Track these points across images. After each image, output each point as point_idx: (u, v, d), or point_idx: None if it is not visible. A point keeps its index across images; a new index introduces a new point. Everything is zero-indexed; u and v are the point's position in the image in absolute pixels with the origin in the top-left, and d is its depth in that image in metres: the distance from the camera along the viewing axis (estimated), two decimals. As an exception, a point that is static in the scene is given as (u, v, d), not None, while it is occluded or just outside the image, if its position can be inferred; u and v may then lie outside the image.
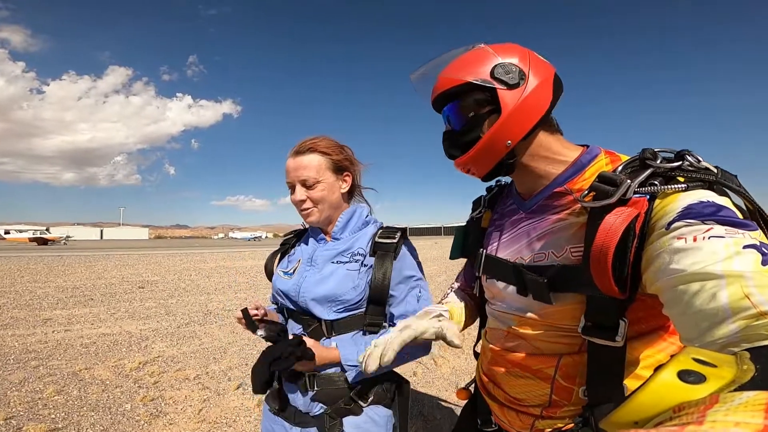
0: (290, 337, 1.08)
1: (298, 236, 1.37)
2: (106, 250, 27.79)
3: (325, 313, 1.11)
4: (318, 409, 1.10)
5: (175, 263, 15.60)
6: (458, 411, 1.02)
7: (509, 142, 0.80)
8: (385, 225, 1.25)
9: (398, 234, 1.17)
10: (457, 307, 1.07)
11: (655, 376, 0.34)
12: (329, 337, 1.12)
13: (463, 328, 1.08)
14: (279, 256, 1.34)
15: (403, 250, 1.17)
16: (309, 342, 1.04)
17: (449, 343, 0.83)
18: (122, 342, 4.64)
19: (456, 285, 1.19)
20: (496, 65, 0.79)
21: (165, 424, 2.71)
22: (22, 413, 2.74)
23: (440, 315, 0.91)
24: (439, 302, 1.12)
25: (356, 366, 1.06)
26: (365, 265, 1.14)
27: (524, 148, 0.84)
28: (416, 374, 3.65)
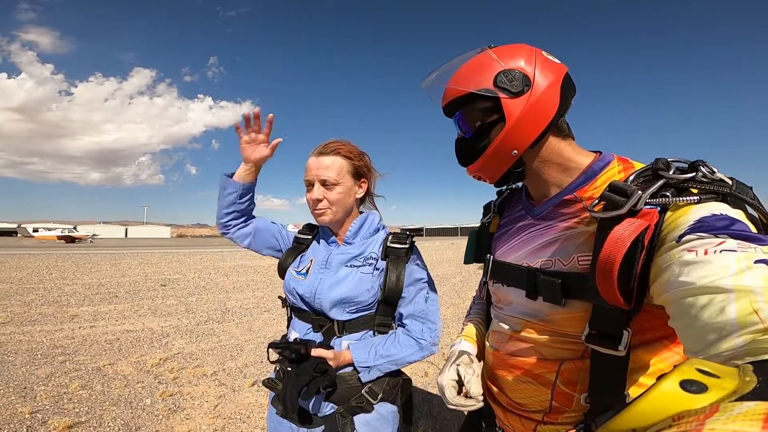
0: (296, 339, 1.12)
1: (312, 234, 1.39)
2: (131, 248, 28.65)
3: (339, 314, 1.16)
4: (329, 409, 1.14)
5: (195, 261, 15.96)
6: (465, 412, 1.03)
7: (515, 151, 0.79)
8: (392, 231, 1.31)
9: (409, 240, 1.23)
10: (476, 327, 1.09)
11: (657, 385, 0.34)
12: (340, 336, 1.17)
13: None
14: (294, 254, 1.36)
15: (414, 254, 1.23)
16: (327, 355, 1.08)
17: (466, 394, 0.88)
18: (144, 338, 4.79)
19: (476, 295, 1.21)
20: (499, 73, 0.78)
21: (182, 419, 2.80)
22: (47, 407, 2.86)
23: (464, 356, 0.95)
24: (466, 316, 1.17)
25: (368, 367, 1.13)
26: (378, 269, 1.20)
27: (533, 155, 0.83)
28: (427, 374, 3.65)
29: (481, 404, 0.88)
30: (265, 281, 10.21)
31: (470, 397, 0.87)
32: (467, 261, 1.12)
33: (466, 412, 0.98)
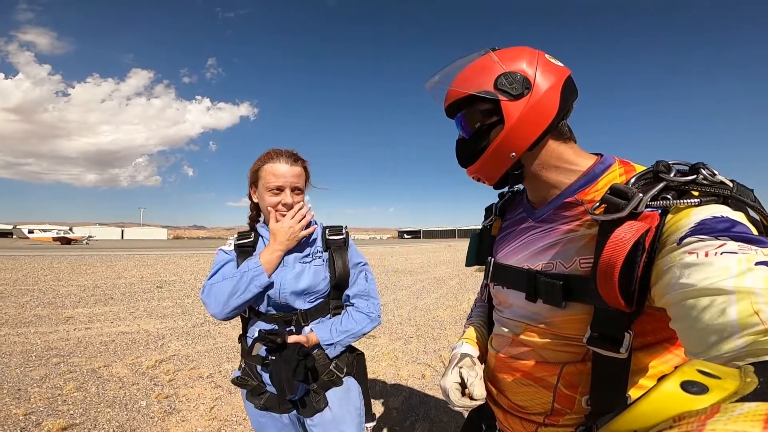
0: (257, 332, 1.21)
1: (251, 238, 1.41)
2: (127, 249, 28.49)
3: (302, 304, 1.31)
4: (301, 390, 1.28)
5: (191, 263, 15.88)
6: (465, 414, 1.03)
7: (513, 153, 0.79)
8: (326, 225, 1.47)
9: (344, 230, 1.44)
10: (477, 330, 1.09)
11: (658, 386, 0.34)
12: (306, 324, 1.31)
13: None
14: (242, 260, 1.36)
15: (350, 242, 1.43)
16: (301, 339, 1.22)
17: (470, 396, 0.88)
18: (140, 340, 4.76)
19: (478, 297, 1.21)
20: (499, 76, 0.78)
21: (178, 421, 2.78)
22: (41, 409, 2.84)
23: (466, 358, 0.95)
24: (467, 319, 1.17)
25: (332, 344, 1.29)
26: (324, 260, 1.38)
27: (532, 157, 0.83)
28: (424, 377, 3.63)
29: (483, 401, 0.90)
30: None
31: (474, 399, 0.87)
32: (468, 264, 1.12)
33: (466, 414, 0.98)
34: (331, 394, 1.30)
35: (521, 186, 0.98)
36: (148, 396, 3.15)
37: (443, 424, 2.77)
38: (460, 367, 0.92)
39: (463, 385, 0.89)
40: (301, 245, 1.37)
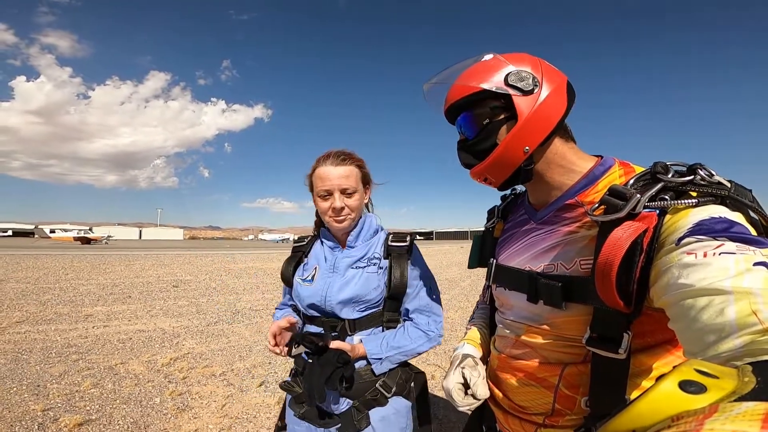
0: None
1: (308, 243, 1.44)
2: (145, 249, 29.11)
3: (349, 313, 1.22)
4: (345, 405, 1.19)
5: (206, 263, 16.15)
6: (470, 414, 1.04)
7: (527, 147, 0.79)
8: (392, 231, 1.37)
9: (408, 237, 1.31)
10: (479, 331, 1.10)
11: (656, 386, 0.33)
12: (352, 334, 1.22)
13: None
14: (294, 263, 1.40)
15: (414, 251, 1.29)
16: (346, 347, 1.13)
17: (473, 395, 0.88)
18: (156, 338, 4.86)
19: (480, 299, 1.22)
20: (509, 72, 0.78)
21: (190, 418, 2.82)
22: (59, 405, 2.91)
23: (468, 358, 0.95)
24: (470, 320, 1.18)
25: (380, 359, 1.18)
26: (381, 268, 1.26)
27: (540, 155, 0.83)
28: (434, 377, 3.63)
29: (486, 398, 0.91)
30: (274, 283, 10.28)
31: (478, 399, 0.88)
32: (471, 266, 1.13)
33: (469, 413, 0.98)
34: (375, 414, 1.18)
35: (521, 187, 0.98)
36: (162, 393, 3.21)
37: (451, 424, 2.76)
38: (463, 368, 0.92)
39: (465, 385, 0.90)
40: (358, 249, 1.31)
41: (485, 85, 0.79)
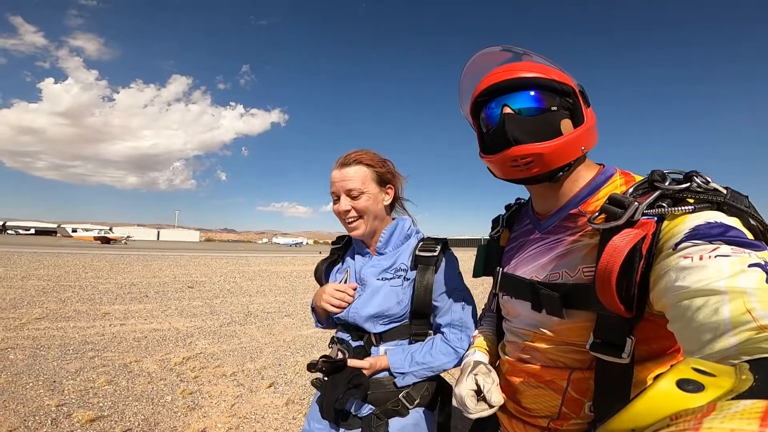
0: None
1: (345, 245, 1.42)
2: (162, 250, 29.69)
3: (373, 327, 1.18)
4: (366, 410, 1.17)
5: (221, 265, 16.38)
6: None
7: (584, 147, 0.83)
8: (426, 237, 1.29)
9: (438, 247, 1.21)
10: (486, 338, 1.10)
11: (654, 385, 0.34)
12: (377, 346, 1.20)
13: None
14: (329, 263, 1.39)
15: (443, 262, 1.21)
16: (364, 365, 1.13)
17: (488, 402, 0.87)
18: (170, 338, 4.94)
19: (486, 306, 1.22)
20: (579, 84, 0.86)
21: (199, 417, 2.85)
22: (73, 400, 2.97)
23: (480, 365, 0.94)
24: (476, 328, 1.18)
25: (404, 373, 1.14)
26: (407, 279, 1.20)
27: (580, 160, 0.86)
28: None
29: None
30: (287, 286, 10.36)
31: (492, 406, 0.87)
32: (476, 274, 1.13)
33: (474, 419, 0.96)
34: (395, 424, 1.14)
35: (523, 192, 1.00)
36: (174, 391, 3.25)
37: (458, 431, 2.71)
38: (476, 375, 0.91)
39: (477, 392, 0.89)
40: (387, 256, 1.26)
41: (572, 82, 0.84)
